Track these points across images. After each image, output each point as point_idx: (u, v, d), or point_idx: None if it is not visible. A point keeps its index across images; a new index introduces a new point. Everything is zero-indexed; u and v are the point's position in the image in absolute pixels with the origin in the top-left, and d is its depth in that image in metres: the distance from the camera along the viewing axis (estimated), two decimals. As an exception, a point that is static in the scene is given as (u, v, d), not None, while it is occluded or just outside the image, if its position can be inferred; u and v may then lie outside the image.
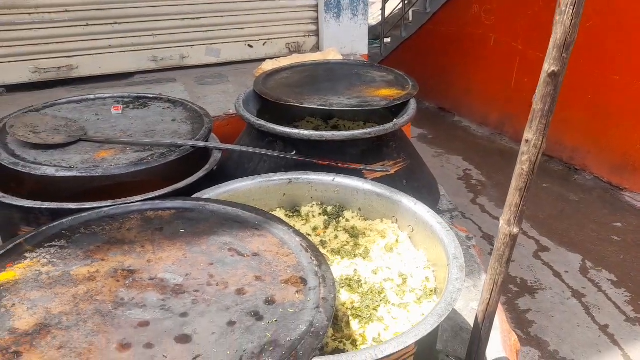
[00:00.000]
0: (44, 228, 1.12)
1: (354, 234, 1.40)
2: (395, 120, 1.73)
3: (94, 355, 0.81)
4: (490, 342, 1.39)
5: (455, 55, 5.37)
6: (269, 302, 0.97)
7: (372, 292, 1.20)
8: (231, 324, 0.91)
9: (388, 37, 6.77)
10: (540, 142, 1.04)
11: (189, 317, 0.92)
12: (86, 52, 2.81)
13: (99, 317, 0.90)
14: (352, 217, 1.46)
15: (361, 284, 1.23)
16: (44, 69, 2.72)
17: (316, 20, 3.37)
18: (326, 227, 1.43)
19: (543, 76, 1.00)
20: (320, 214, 1.47)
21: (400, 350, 0.91)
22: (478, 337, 1.24)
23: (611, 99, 3.68)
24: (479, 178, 3.92)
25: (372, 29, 7.58)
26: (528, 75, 4.44)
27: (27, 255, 1.04)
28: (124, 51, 2.91)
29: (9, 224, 1.33)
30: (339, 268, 1.28)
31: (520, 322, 2.34)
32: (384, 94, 1.92)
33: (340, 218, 1.46)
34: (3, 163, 1.41)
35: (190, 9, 3.07)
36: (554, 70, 0.98)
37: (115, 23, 2.83)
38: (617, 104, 3.64)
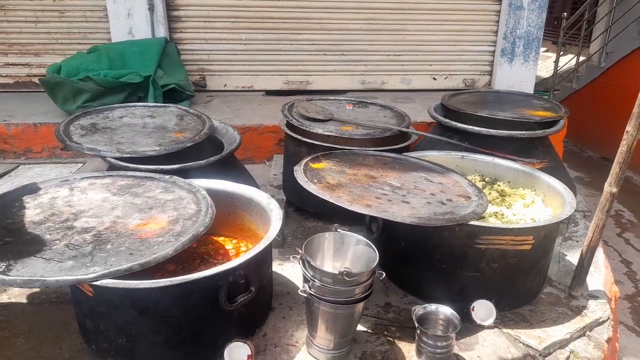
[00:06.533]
0: (327, 152, 2.08)
1: (502, 194, 2.11)
2: (544, 130, 2.39)
3: (366, 197, 1.69)
4: (592, 282, 1.95)
5: (623, 109, 5.51)
6: (449, 200, 1.76)
7: (510, 222, 1.90)
8: (428, 203, 1.72)
9: (557, 89, 7.05)
10: (635, 133, 1.66)
11: (406, 197, 1.75)
12: (319, 73, 4.00)
13: (362, 188, 1.78)
14: (502, 185, 2.16)
15: (504, 216, 1.93)
16: (291, 82, 3.96)
17: (491, 63, 4.10)
18: (483, 188, 2.16)
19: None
20: (480, 181, 2.21)
21: (523, 230, 1.61)
22: (581, 263, 1.84)
23: None
24: (630, 218, 4.10)
25: (543, 82, 7.90)
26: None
27: (322, 161, 2.00)
28: (344, 75, 4.04)
29: (297, 154, 2.34)
30: (490, 209, 2.00)
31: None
32: (539, 114, 2.58)
33: (494, 185, 2.18)
34: (294, 124, 2.46)
35: (391, 48, 4.09)
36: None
37: (342, 55, 3.98)
38: None
